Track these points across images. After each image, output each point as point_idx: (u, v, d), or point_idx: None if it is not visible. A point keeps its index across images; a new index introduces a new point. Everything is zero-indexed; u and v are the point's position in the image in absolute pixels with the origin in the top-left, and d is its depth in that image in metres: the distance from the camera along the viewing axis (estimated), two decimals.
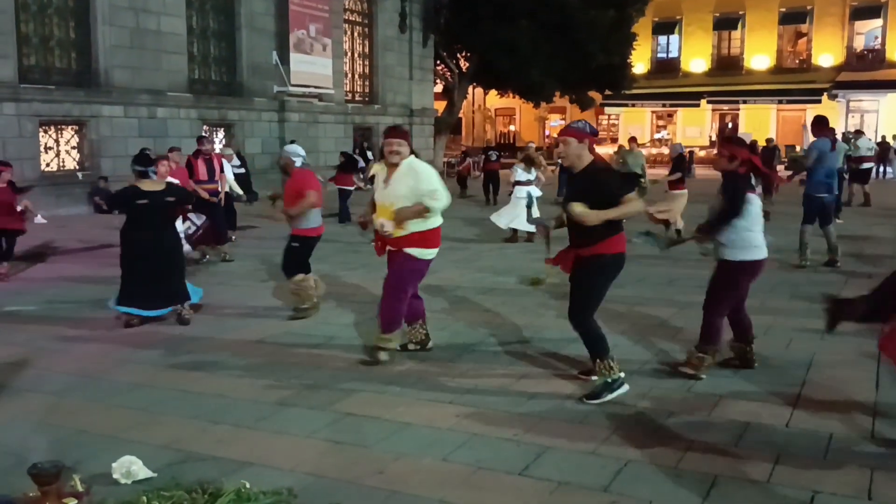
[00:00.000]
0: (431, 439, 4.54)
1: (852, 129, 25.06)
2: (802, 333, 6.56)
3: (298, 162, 7.77)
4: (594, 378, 5.25)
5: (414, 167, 5.81)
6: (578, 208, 4.96)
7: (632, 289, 8.22)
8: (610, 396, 5.12)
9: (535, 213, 11.59)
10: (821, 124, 10.17)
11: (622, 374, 5.21)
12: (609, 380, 5.15)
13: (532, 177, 13.04)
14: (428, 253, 5.91)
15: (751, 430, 4.64)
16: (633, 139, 18.75)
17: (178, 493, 3.62)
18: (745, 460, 4.22)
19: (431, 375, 5.72)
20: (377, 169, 6.10)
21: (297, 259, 7.62)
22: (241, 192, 12.99)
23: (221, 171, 11.60)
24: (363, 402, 5.16)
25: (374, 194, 6.04)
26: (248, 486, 3.70)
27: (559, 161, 6.13)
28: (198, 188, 11.00)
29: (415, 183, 5.72)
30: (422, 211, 5.71)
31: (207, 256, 11.01)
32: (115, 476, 3.97)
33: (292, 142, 18.27)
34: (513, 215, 12.63)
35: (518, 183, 12.98)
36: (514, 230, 12.73)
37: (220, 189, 11.49)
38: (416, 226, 5.78)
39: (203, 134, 18.65)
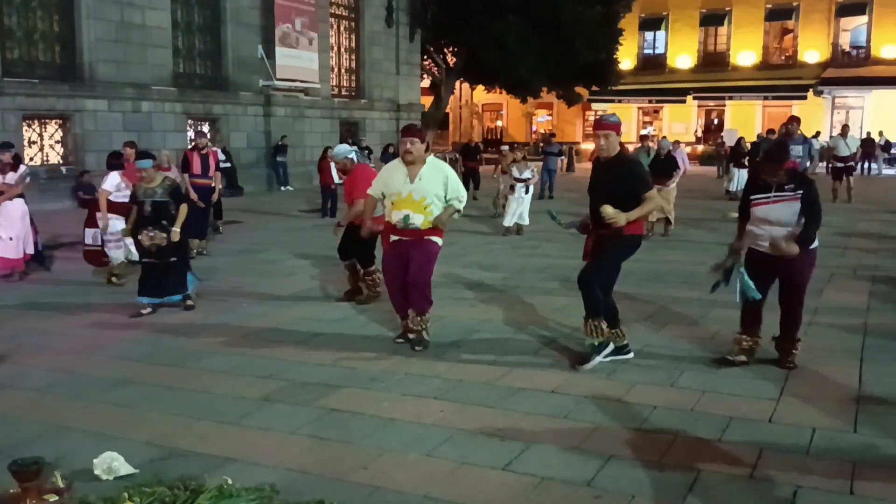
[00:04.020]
0: (416, 435, 4.53)
1: (838, 126, 25.17)
2: None
3: (355, 158, 8.22)
4: None
5: (442, 169, 6.34)
6: (610, 210, 5.38)
7: (617, 284, 8.18)
8: (598, 359, 5.66)
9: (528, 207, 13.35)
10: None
11: (625, 342, 5.85)
12: (595, 342, 5.66)
13: (528, 175, 13.65)
14: (442, 239, 6.47)
15: (734, 424, 4.65)
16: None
17: (159, 489, 3.58)
18: (728, 455, 4.24)
19: (416, 371, 5.72)
20: (396, 167, 6.42)
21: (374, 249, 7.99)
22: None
23: (217, 167, 11.61)
24: (347, 398, 5.15)
25: (394, 189, 6.27)
26: (230, 482, 3.68)
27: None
28: (191, 182, 11.02)
29: (445, 183, 6.23)
30: (453, 213, 6.37)
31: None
32: (96, 472, 3.95)
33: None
34: (515, 211, 13.41)
35: (518, 180, 13.56)
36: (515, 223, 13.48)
37: (214, 185, 11.49)
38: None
39: (192, 128, 18.62)
